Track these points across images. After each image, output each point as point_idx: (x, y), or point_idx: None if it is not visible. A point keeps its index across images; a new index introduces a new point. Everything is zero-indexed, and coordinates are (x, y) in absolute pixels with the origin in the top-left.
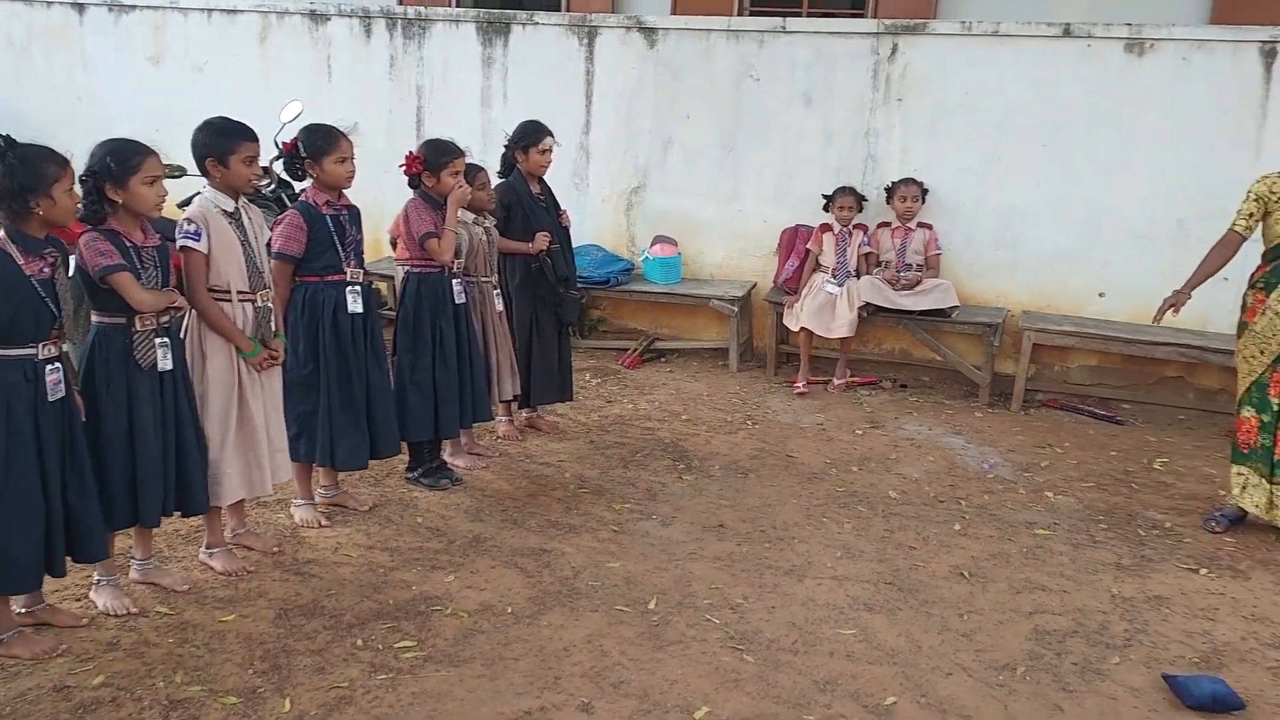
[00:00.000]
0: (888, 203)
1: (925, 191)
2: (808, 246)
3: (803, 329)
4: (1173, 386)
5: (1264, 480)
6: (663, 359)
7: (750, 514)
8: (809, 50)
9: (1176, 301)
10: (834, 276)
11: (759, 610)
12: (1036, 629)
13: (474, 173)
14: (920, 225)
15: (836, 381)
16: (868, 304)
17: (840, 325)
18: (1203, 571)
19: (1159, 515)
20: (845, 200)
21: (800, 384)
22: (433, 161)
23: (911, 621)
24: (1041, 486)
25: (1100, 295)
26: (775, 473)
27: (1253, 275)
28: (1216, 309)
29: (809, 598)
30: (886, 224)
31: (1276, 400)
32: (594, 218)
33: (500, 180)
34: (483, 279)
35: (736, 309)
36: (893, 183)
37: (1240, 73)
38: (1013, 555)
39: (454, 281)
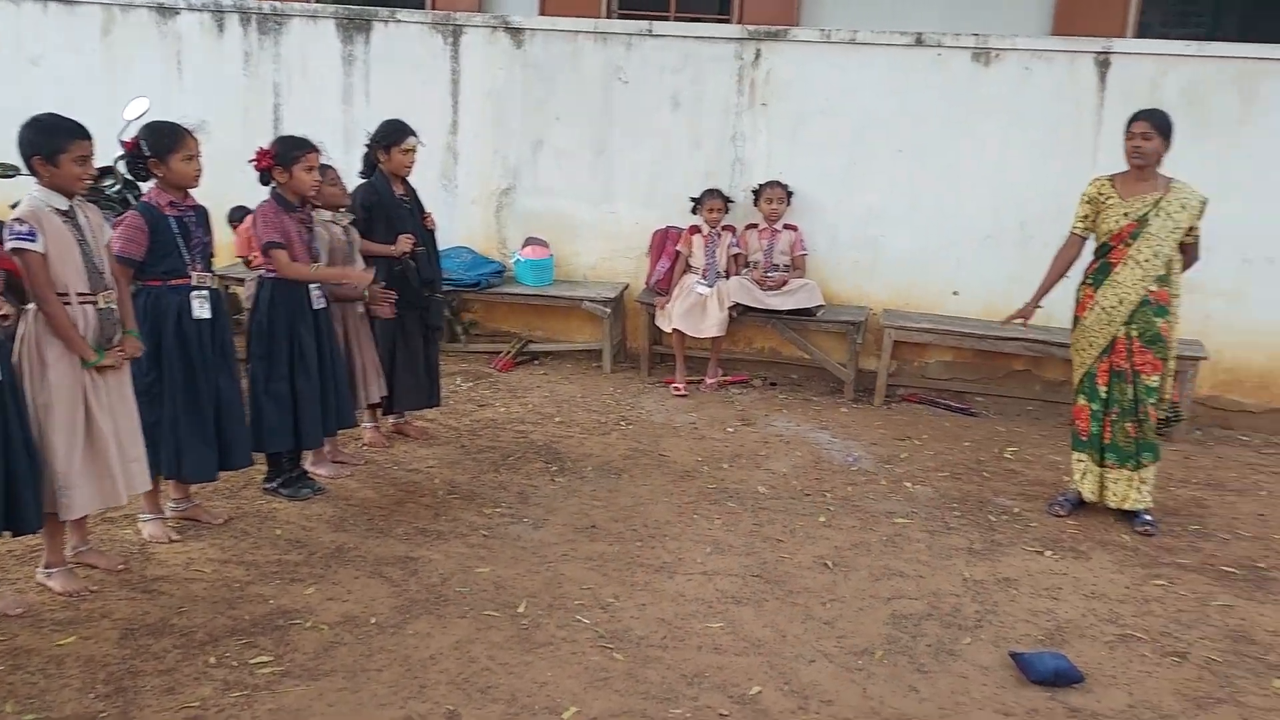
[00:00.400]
0: (755, 205)
1: (790, 194)
2: (677, 248)
3: (675, 330)
4: (1021, 379)
5: (1095, 465)
6: (536, 361)
7: (622, 513)
8: (676, 54)
9: (1025, 313)
10: (704, 277)
11: (629, 608)
12: (894, 614)
13: (323, 171)
14: (786, 227)
15: (709, 381)
16: (737, 304)
17: (711, 325)
18: (1047, 553)
19: (1008, 501)
20: (713, 202)
21: (678, 385)
22: (284, 156)
23: (777, 612)
24: (901, 477)
25: (954, 294)
26: (648, 472)
27: (1085, 272)
28: (1060, 305)
29: (679, 593)
30: (754, 226)
31: (1104, 389)
32: (464, 219)
33: (362, 181)
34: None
35: (609, 310)
36: (759, 185)
37: (1077, 81)
38: (873, 544)
39: (312, 286)
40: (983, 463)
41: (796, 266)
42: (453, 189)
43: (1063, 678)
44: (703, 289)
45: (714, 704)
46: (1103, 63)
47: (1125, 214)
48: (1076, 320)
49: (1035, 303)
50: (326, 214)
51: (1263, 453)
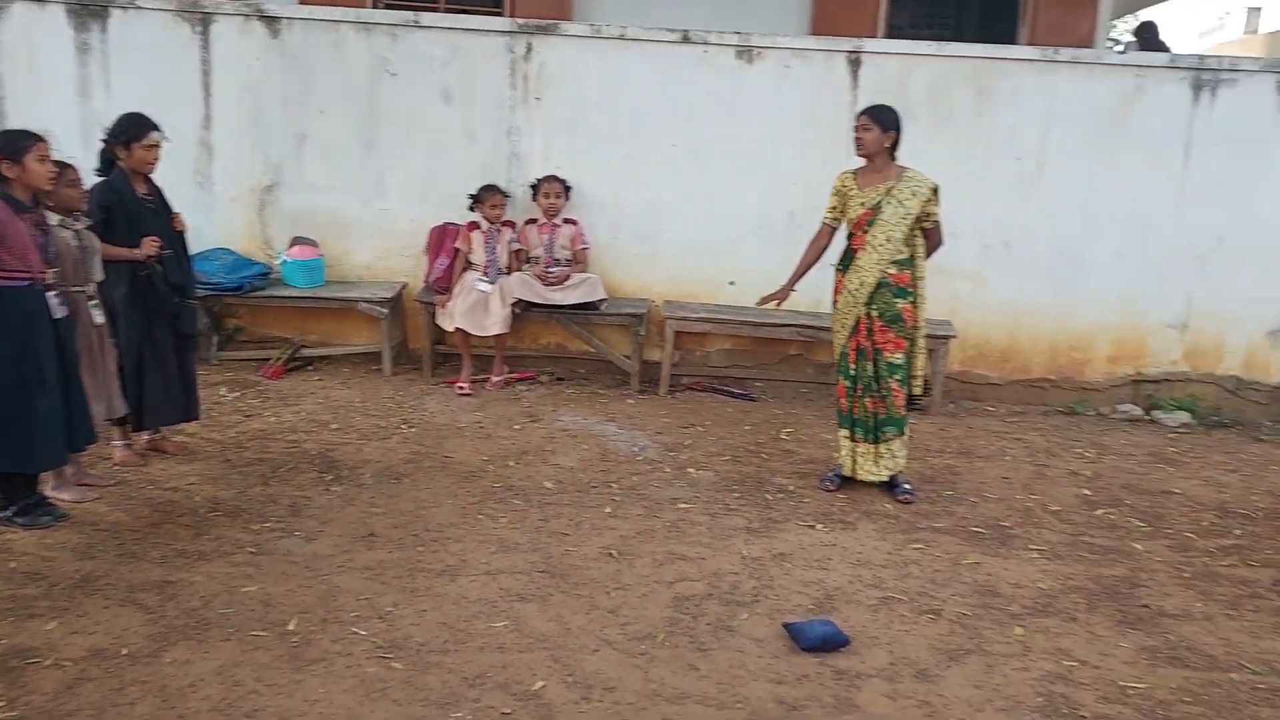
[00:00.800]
0: (533, 200)
1: (569, 188)
2: (456, 245)
3: (458, 329)
4: (795, 363)
5: (851, 441)
6: (310, 367)
7: (403, 519)
8: (445, 47)
9: (778, 296)
10: (485, 274)
11: (409, 615)
12: (676, 596)
13: (61, 169)
14: (566, 221)
15: (494, 379)
16: (520, 300)
17: (494, 323)
18: (819, 527)
19: (784, 480)
20: (492, 198)
21: (463, 385)
22: (10, 149)
23: (562, 606)
24: (685, 464)
25: (730, 283)
26: (431, 475)
27: (839, 258)
28: (828, 291)
29: (461, 595)
30: (534, 221)
31: (853, 367)
32: (222, 219)
33: (99, 180)
34: (74, 289)
35: (387, 311)
36: (537, 180)
37: (832, 79)
38: (658, 530)
39: (50, 295)
40: (761, 445)
41: (578, 261)
42: (209, 187)
43: (830, 642)
44: (484, 286)
45: (496, 703)
46: (854, 61)
47: (863, 203)
48: (834, 304)
49: (789, 288)
50: (55, 218)
51: (1007, 421)
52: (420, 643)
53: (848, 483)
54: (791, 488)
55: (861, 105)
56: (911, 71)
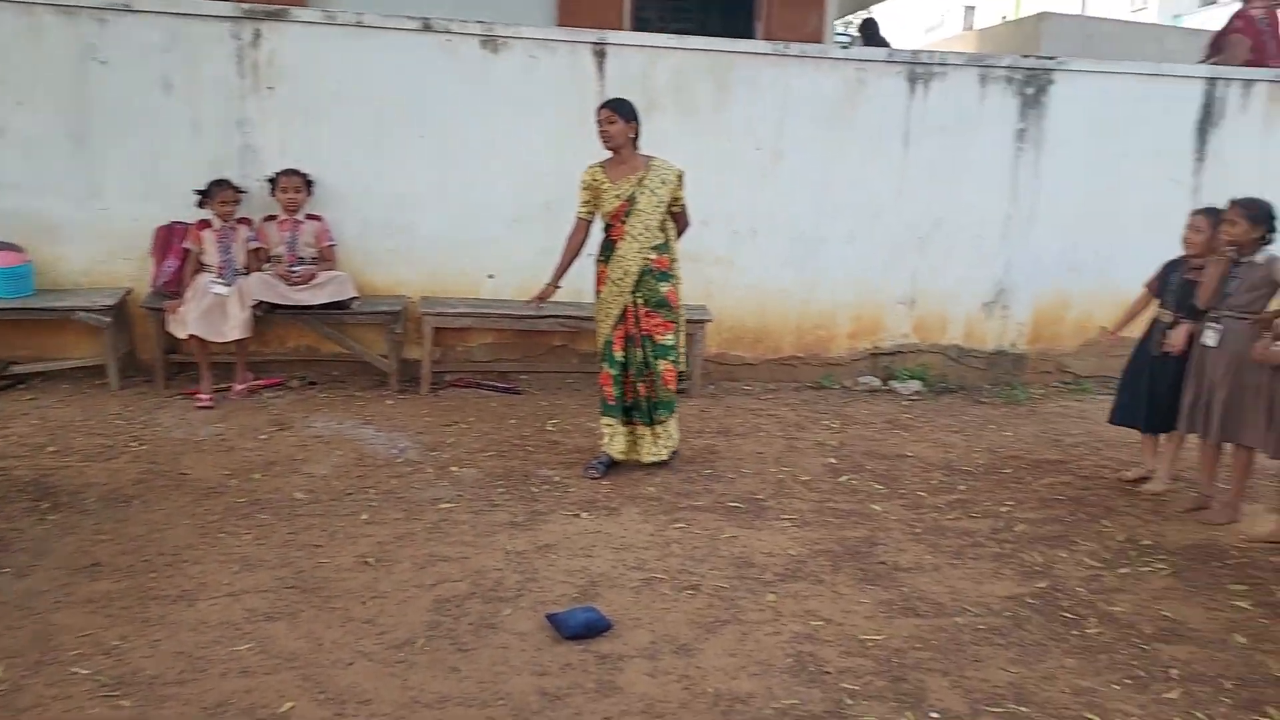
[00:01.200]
0: (272, 195)
1: (311, 182)
2: (186, 245)
3: (192, 336)
4: (559, 354)
5: (622, 426)
6: (22, 386)
7: (133, 545)
8: (163, 33)
9: (542, 295)
10: (220, 276)
11: (140, 648)
12: (437, 599)
13: None
14: (310, 217)
15: (237, 387)
16: (262, 302)
17: (233, 327)
18: (583, 515)
19: (549, 471)
20: (223, 194)
21: (202, 395)
22: None
23: (314, 621)
24: (447, 463)
25: (490, 277)
26: (165, 495)
27: (598, 250)
28: (589, 280)
29: (200, 621)
30: (273, 217)
31: (620, 354)
32: None
33: None
34: None
35: (110, 320)
36: (274, 174)
37: (579, 70)
38: (418, 533)
39: None
40: (526, 438)
41: (325, 258)
42: None
43: (593, 628)
44: (220, 289)
45: None
46: (600, 53)
47: (617, 195)
48: (597, 294)
49: (553, 285)
50: None
51: (761, 399)
52: (152, 675)
53: (612, 469)
54: (557, 479)
55: (609, 96)
56: (655, 63)
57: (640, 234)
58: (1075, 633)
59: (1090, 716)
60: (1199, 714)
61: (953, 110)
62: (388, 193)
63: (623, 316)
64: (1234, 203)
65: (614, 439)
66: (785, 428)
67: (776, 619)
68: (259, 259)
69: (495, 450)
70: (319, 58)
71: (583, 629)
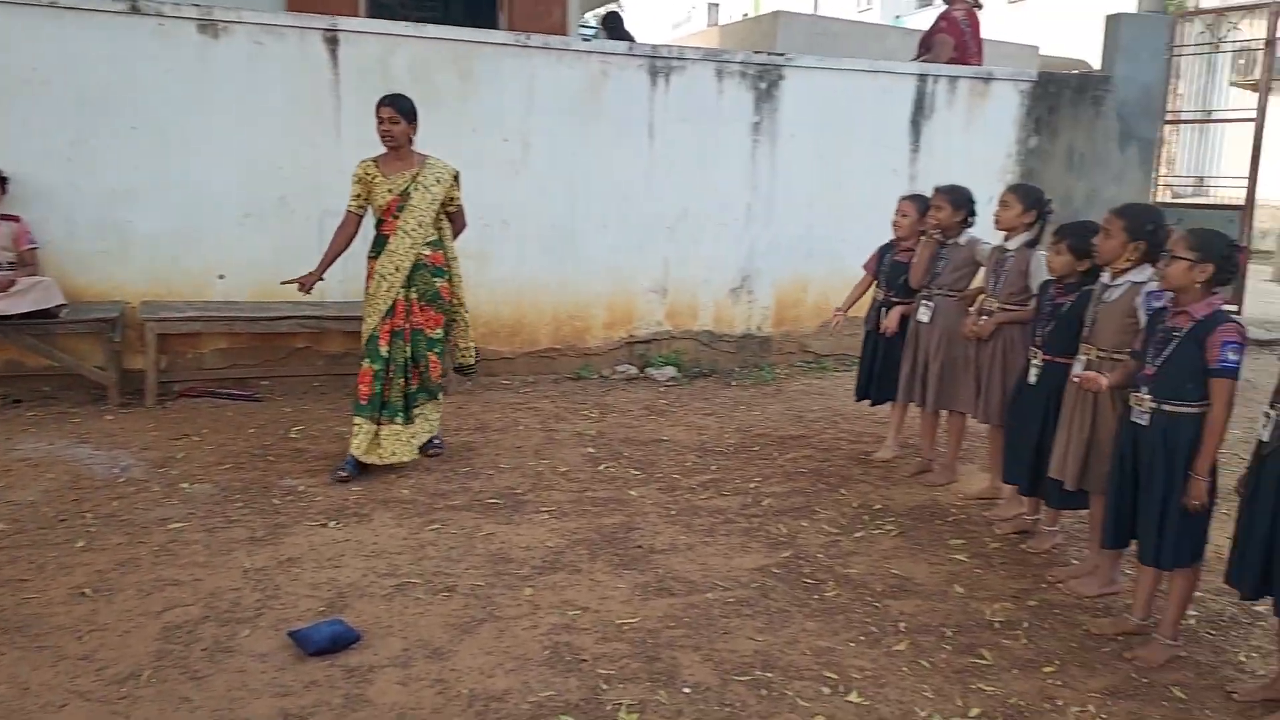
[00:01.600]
0: None
1: (5, 179)
2: None
3: None
4: (303, 357)
5: (372, 425)
6: None
7: None
8: None
9: (304, 281)
10: None
11: None
12: (166, 627)
13: None
14: (5, 218)
15: None
16: None
17: None
18: (331, 524)
19: (294, 481)
20: None
21: None
22: None
23: (20, 662)
24: (177, 479)
25: (220, 277)
26: None
27: (370, 245)
28: (331, 280)
29: None
30: None
31: (385, 349)
32: None
33: None
34: None
35: None
36: None
37: (310, 57)
38: (143, 558)
39: None
40: (268, 447)
41: (26, 263)
42: None
43: (340, 641)
44: None
45: None
46: (332, 39)
47: (390, 190)
48: (366, 290)
49: (318, 275)
50: None
51: (520, 392)
52: None
53: (364, 471)
54: (302, 488)
55: (346, 86)
56: (394, 52)
57: (413, 230)
58: (816, 597)
59: (829, 675)
60: (923, 662)
61: (695, 103)
62: (98, 189)
63: (392, 310)
64: (938, 190)
65: (358, 438)
66: (544, 420)
67: (534, 612)
68: None
69: (232, 462)
70: (7, 38)
71: (328, 643)
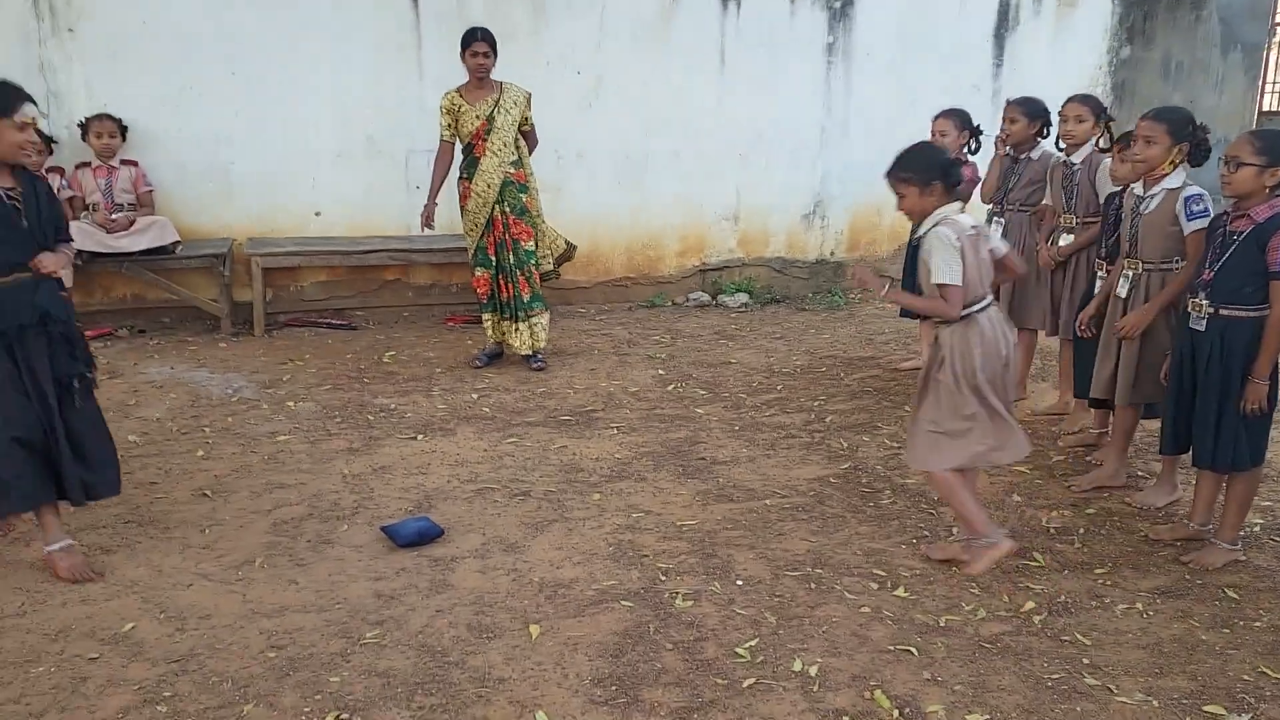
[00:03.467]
0: (84, 140)
1: (124, 127)
2: None
3: None
4: (393, 289)
5: (499, 319)
6: None
7: None
8: None
9: (426, 215)
10: None
11: None
12: (275, 522)
13: None
14: (125, 163)
15: None
16: (81, 251)
17: None
18: (419, 437)
19: (386, 400)
20: None
21: None
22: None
23: (152, 551)
24: (283, 398)
25: (317, 214)
26: None
27: (460, 168)
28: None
29: (37, 559)
30: (86, 164)
31: (494, 258)
32: None
33: None
34: None
35: None
36: (86, 119)
37: (393, 2)
38: (254, 465)
39: None
40: (363, 370)
41: (144, 204)
42: None
43: (426, 535)
44: None
45: (83, 650)
46: None
47: (476, 116)
48: (463, 210)
49: (432, 204)
50: None
51: (595, 319)
52: None
53: (495, 359)
54: (393, 406)
55: (426, 28)
56: None
57: (499, 149)
58: (871, 504)
59: (878, 572)
60: None
61: (766, 27)
62: (203, 133)
63: (490, 225)
64: (1011, 102)
65: (493, 329)
66: (617, 344)
67: (600, 514)
68: (75, 208)
69: (332, 384)
70: None
71: (415, 536)
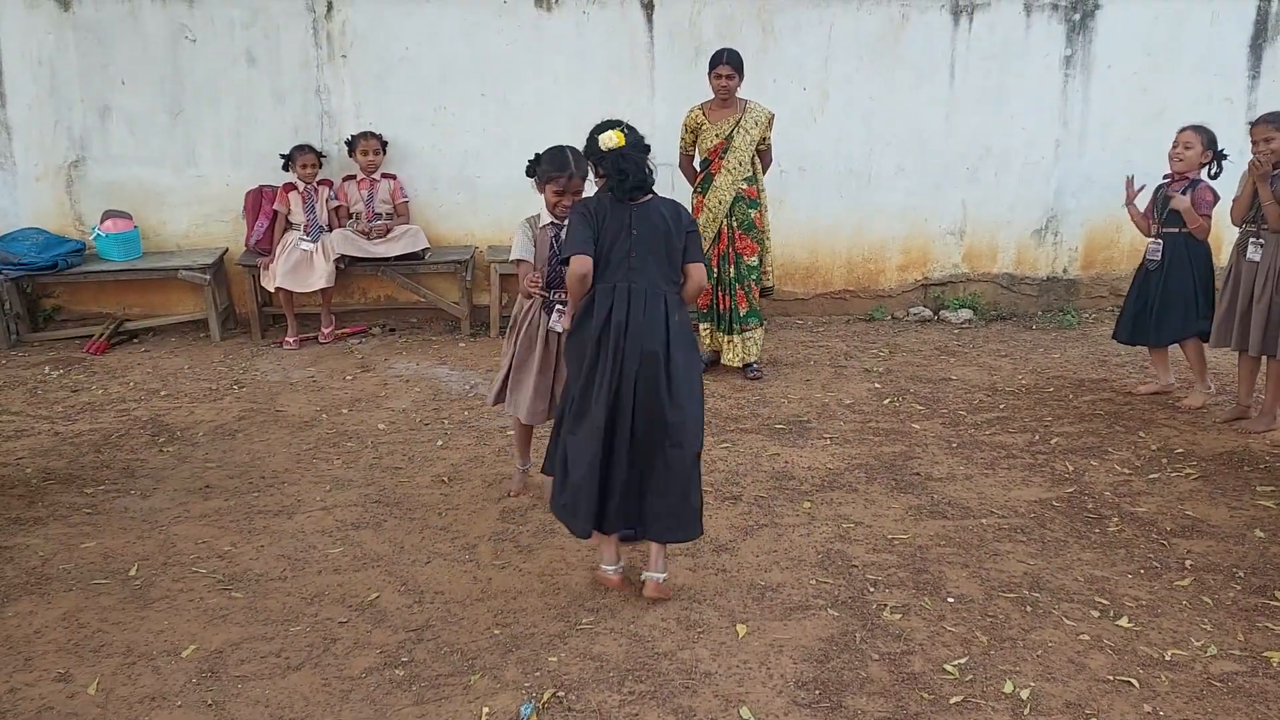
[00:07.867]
0: (350, 156)
1: (385, 143)
2: (275, 207)
3: (279, 288)
4: None
5: (718, 332)
6: (135, 340)
7: (239, 470)
8: (244, 10)
9: (698, 207)
10: (306, 233)
11: (248, 552)
12: (504, 510)
13: None
14: (385, 176)
15: (325, 330)
16: (343, 256)
17: (317, 279)
18: None
19: None
20: (305, 158)
21: (290, 340)
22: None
23: (396, 529)
24: None
25: None
26: (264, 428)
27: (694, 184)
28: None
29: (298, 530)
30: (352, 177)
31: (717, 271)
32: (29, 198)
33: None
34: None
35: (209, 277)
36: (352, 136)
37: (629, 22)
38: (487, 456)
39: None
40: None
41: (400, 214)
42: (9, 167)
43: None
44: (306, 245)
45: (334, 615)
46: (648, 5)
47: (717, 135)
48: (693, 221)
49: (700, 196)
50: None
51: (813, 331)
52: (259, 574)
53: (713, 366)
54: None
55: (659, 47)
56: (701, 12)
57: (734, 168)
58: (1096, 530)
59: (1100, 600)
60: (1206, 598)
61: (999, 40)
62: (453, 149)
63: (717, 238)
64: (1265, 118)
65: (710, 338)
66: (834, 357)
67: (810, 522)
68: (340, 217)
69: None
70: (386, 24)
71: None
